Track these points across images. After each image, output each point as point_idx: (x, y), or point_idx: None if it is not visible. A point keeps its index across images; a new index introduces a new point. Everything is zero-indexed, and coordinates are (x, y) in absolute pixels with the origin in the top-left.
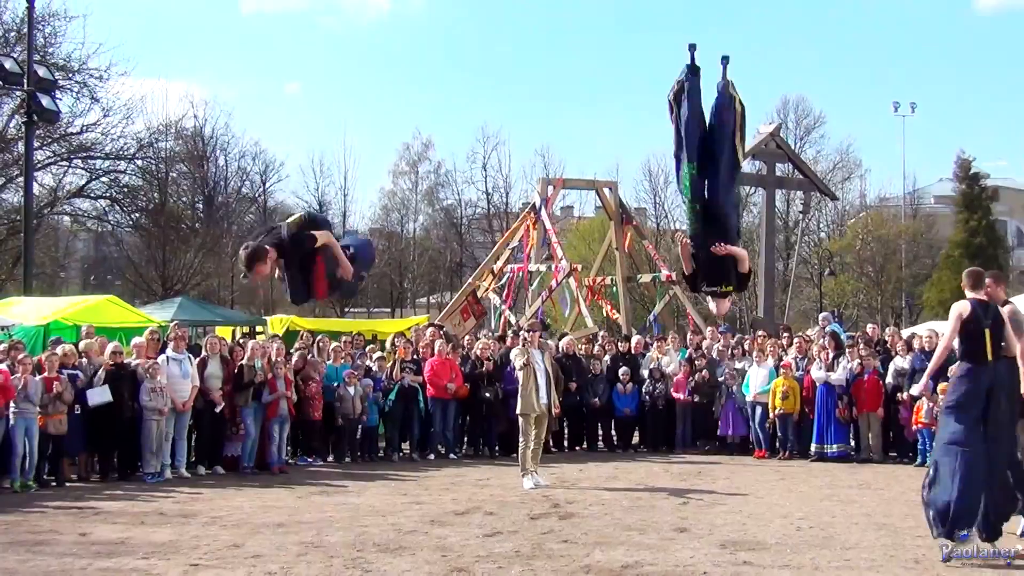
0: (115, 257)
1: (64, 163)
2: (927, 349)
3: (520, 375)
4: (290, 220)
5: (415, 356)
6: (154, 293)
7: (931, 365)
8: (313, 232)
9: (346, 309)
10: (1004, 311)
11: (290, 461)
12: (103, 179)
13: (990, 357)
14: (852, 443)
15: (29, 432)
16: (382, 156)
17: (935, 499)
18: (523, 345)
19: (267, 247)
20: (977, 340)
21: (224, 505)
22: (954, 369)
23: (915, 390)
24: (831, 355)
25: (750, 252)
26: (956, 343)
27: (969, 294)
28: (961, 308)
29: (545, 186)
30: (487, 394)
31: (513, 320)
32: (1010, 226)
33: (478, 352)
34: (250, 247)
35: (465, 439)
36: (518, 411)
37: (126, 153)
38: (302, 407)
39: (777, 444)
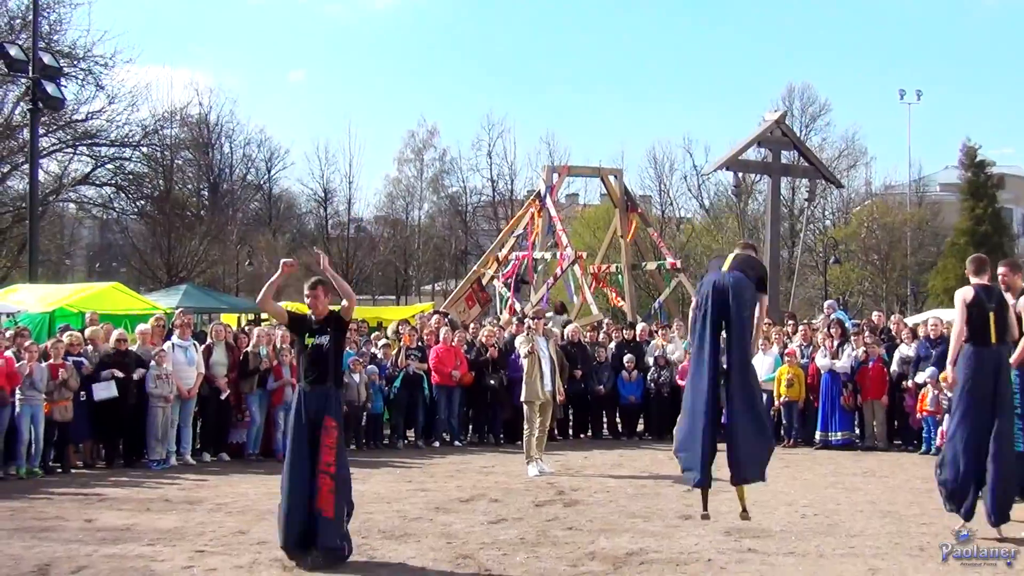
0: (120, 244)
1: (69, 150)
2: (932, 337)
3: (525, 362)
4: None
5: (420, 343)
6: (159, 280)
7: (950, 352)
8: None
9: None
10: (1021, 301)
11: None
12: (108, 166)
13: (994, 340)
14: (857, 431)
15: (35, 419)
16: (387, 143)
17: (943, 480)
18: (528, 332)
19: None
20: (982, 324)
21: (229, 492)
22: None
23: (919, 378)
24: (836, 343)
25: (755, 240)
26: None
27: (973, 280)
28: (964, 293)
29: (550, 173)
30: (492, 381)
31: (518, 308)
32: (1015, 214)
33: (483, 339)
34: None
35: (470, 426)
36: (523, 398)
37: (131, 140)
38: None
39: (782, 432)
